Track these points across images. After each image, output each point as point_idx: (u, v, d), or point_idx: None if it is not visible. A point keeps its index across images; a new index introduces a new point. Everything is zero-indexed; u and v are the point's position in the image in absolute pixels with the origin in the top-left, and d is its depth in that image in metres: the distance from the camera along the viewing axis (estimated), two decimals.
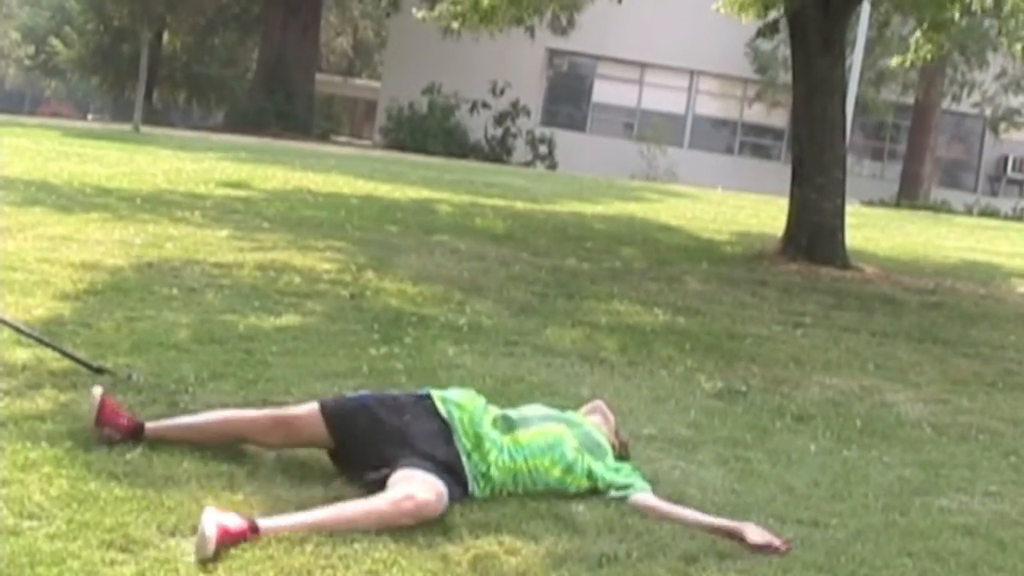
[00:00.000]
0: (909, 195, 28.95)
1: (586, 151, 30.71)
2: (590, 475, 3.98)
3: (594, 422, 4.26)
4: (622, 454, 4.27)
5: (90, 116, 46.34)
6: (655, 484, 4.11)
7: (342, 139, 34.51)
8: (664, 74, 32.81)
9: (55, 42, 41.25)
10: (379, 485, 3.64)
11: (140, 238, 8.27)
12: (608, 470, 4.04)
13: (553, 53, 32.88)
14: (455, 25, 13.71)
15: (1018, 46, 12.15)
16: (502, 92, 30.15)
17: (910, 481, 4.66)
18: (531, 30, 25.18)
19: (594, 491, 3.97)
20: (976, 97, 29.82)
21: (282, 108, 30.99)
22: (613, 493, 3.96)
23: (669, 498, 4.01)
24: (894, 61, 14.01)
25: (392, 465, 3.70)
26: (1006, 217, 26.62)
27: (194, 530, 3.32)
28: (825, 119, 11.05)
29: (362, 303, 6.99)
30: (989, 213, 27.20)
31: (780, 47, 26.06)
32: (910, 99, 30.44)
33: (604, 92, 33.53)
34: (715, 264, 10.29)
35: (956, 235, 16.78)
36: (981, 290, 10.57)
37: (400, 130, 30.46)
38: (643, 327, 7.30)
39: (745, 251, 11.56)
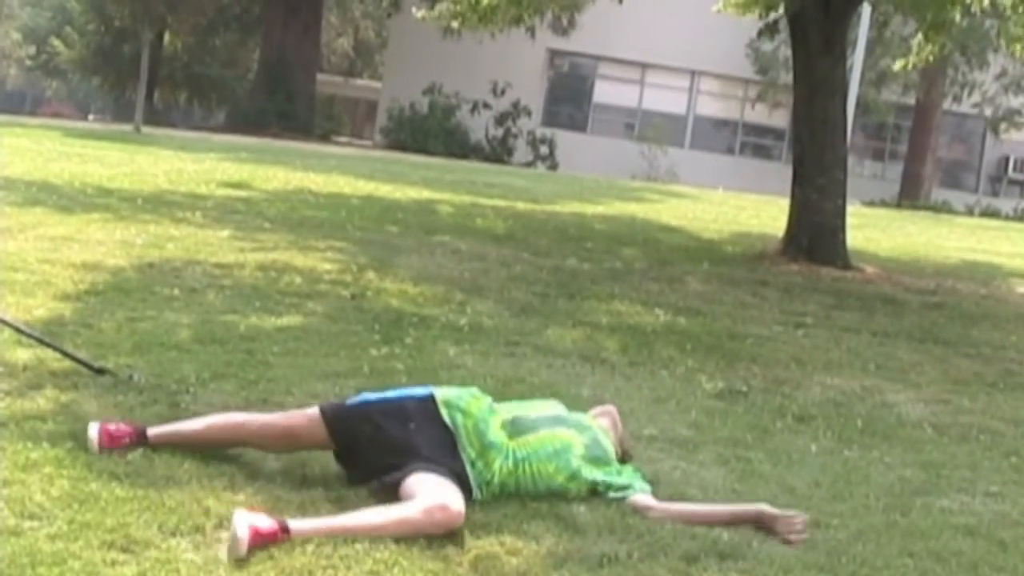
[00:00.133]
0: (910, 195, 28.96)
1: (587, 151, 30.71)
2: (592, 483, 3.98)
3: (602, 425, 4.24)
4: (624, 460, 4.26)
5: (91, 116, 46.30)
6: (656, 485, 4.11)
7: (343, 139, 34.52)
8: (665, 74, 32.81)
9: (56, 42, 41.25)
10: (390, 489, 3.64)
11: (141, 238, 8.28)
12: (610, 476, 4.04)
13: (554, 53, 32.88)
14: (454, 25, 13.71)
15: (1017, 46, 12.12)
16: (503, 92, 30.15)
17: (911, 481, 4.66)
18: (532, 30, 25.21)
19: (594, 493, 3.97)
20: (976, 97, 29.82)
21: (283, 108, 30.99)
22: (612, 494, 3.96)
23: (670, 498, 4.01)
24: (897, 65, 14.00)
25: (403, 470, 3.68)
26: (1007, 217, 26.62)
27: (195, 530, 3.32)
28: (826, 120, 11.05)
29: (363, 303, 6.99)
30: (990, 213, 27.20)
31: (781, 48, 26.06)
32: (911, 100, 30.44)
33: (605, 92, 33.53)
34: (716, 264, 10.29)
35: (957, 235, 16.78)
36: (982, 290, 10.57)
37: (401, 130, 30.46)
38: (644, 327, 7.30)
39: (746, 251, 11.55)
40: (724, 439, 4.98)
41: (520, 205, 14.03)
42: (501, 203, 13.91)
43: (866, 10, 19.19)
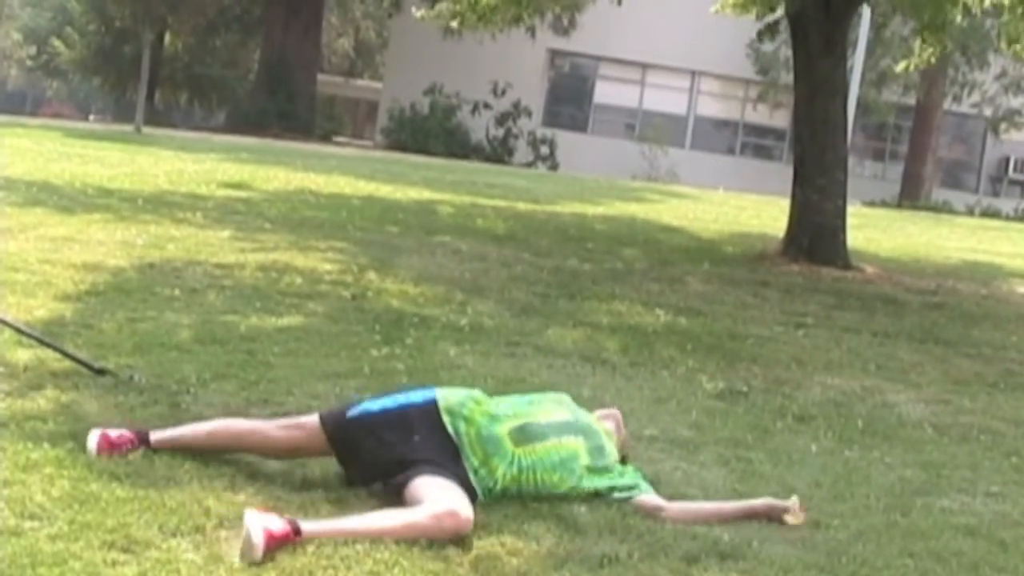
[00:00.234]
0: (910, 196, 28.96)
1: (587, 152, 30.70)
2: (595, 492, 3.96)
3: (607, 428, 4.23)
4: (623, 462, 4.26)
5: (92, 117, 46.31)
6: (657, 485, 4.11)
7: (343, 140, 34.51)
8: (665, 75, 32.81)
9: (57, 43, 41.23)
10: (394, 491, 3.65)
11: (142, 239, 8.28)
12: (613, 480, 4.02)
13: (554, 54, 32.88)
14: (454, 24, 13.71)
15: (1017, 46, 12.12)
16: (503, 93, 30.15)
17: (911, 482, 4.66)
18: (532, 31, 25.23)
19: (597, 495, 3.95)
20: (977, 98, 29.83)
21: (284, 109, 30.98)
22: (617, 495, 3.95)
23: (671, 499, 4.01)
24: (899, 67, 14.01)
25: (407, 475, 3.67)
26: (1007, 218, 26.61)
27: (196, 530, 3.32)
28: (827, 120, 11.05)
29: (363, 304, 6.99)
30: (990, 214, 27.21)
31: (781, 48, 26.05)
32: (911, 100, 30.44)
33: (605, 93, 33.53)
34: (716, 265, 10.29)
35: (957, 236, 16.78)
36: (983, 291, 10.57)
37: (401, 131, 30.45)
38: (644, 328, 7.30)
39: (746, 252, 11.55)
40: (725, 439, 4.98)
41: (521, 205, 14.03)
42: (502, 203, 13.91)
43: (866, 10, 19.19)
